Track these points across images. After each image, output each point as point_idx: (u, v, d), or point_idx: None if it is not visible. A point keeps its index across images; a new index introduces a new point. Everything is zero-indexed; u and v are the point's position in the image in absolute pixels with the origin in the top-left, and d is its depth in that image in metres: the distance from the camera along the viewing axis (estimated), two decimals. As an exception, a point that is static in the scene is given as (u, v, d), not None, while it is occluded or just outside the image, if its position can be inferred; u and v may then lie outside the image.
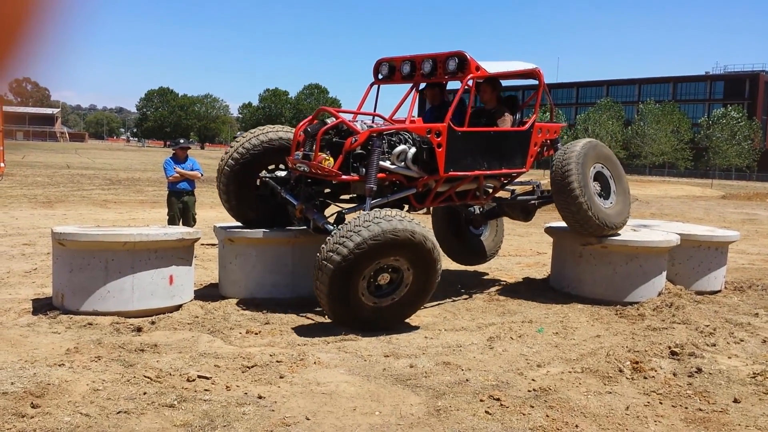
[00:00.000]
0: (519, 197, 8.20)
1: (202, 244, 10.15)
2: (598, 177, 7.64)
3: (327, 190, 6.86)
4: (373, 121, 6.95)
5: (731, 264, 9.67)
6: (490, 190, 7.94)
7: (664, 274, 7.61)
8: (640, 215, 20.76)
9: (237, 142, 7.02)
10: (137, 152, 76.24)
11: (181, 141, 10.43)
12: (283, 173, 6.98)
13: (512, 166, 7.51)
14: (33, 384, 4.00)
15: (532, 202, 8.08)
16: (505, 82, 8.06)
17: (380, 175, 6.33)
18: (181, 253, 6.36)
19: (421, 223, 5.83)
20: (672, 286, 7.76)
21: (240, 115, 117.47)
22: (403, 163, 6.52)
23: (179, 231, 6.38)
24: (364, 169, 6.21)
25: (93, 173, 31.91)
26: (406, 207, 6.96)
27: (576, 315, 6.83)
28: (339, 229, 5.63)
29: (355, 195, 6.90)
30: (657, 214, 21.97)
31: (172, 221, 10.17)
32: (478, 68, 6.84)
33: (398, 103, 7.72)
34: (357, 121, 6.66)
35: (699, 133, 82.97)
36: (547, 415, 4.02)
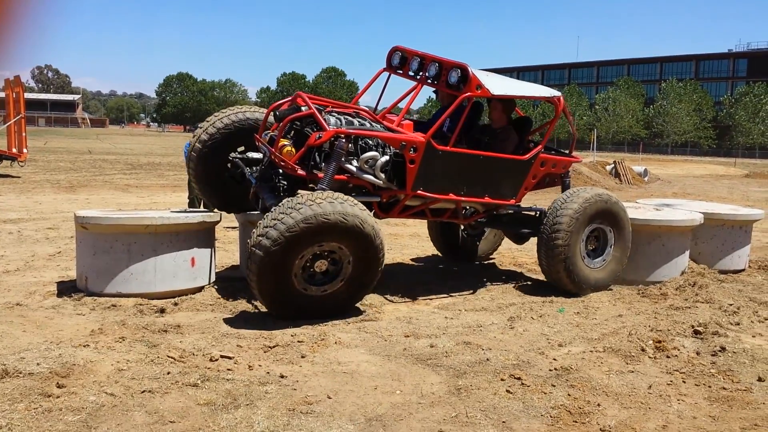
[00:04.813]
0: (516, 222, 7.44)
1: (224, 227, 10.22)
2: (597, 232, 6.96)
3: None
4: (378, 118, 6.55)
5: (755, 243, 9.54)
6: (475, 211, 7.17)
7: (687, 253, 7.53)
8: (663, 195, 20.56)
9: (206, 122, 6.78)
10: (157, 137, 76.74)
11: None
12: (255, 154, 6.66)
13: (498, 197, 6.80)
14: (59, 365, 4.06)
15: (526, 231, 7.32)
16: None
17: (342, 176, 5.97)
18: (203, 235, 6.40)
19: (359, 206, 5.41)
20: (695, 266, 7.68)
21: (258, 100, 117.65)
22: (371, 170, 6.08)
23: (200, 214, 6.41)
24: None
25: (114, 158, 32.20)
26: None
27: (597, 295, 6.78)
28: (271, 212, 5.24)
29: None
30: (679, 194, 21.74)
31: (192, 204, 10.25)
32: (479, 87, 6.31)
33: (399, 97, 7.23)
34: (334, 116, 6.19)
35: (722, 111, 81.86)
36: (569, 394, 4.01)
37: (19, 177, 19.81)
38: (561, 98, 7.12)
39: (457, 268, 8.19)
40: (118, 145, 49.52)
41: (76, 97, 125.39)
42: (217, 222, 6.57)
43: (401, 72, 7.02)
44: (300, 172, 5.84)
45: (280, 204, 5.28)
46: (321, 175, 5.83)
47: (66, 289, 6.29)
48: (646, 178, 27.32)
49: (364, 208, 5.47)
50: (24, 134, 20.49)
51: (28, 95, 31.93)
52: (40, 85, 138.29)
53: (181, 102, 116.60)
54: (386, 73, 7.21)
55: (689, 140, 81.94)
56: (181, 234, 6.15)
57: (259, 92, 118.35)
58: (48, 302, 5.89)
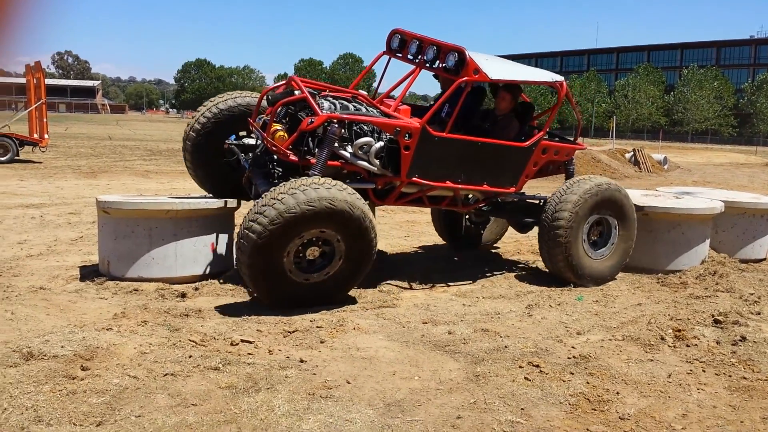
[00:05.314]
0: (519, 210, 7.34)
1: (243, 213, 10.27)
2: (600, 223, 6.82)
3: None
4: (378, 102, 6.40)
5: (777, 232, 9.42)
6: (475, 199, 7.02)
7: (708, 242, 7.48)
8: (683, 183, 20.38)
9: (202, 108, 6.69)
10: (176, 123, 77.07)
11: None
12: (251, 140, 6.56)
13: (497, 185, 6.63)
14: (82, 347, 4.12)
15: (529, 221, 7.14)
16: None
17: (336, 162, 5.85)
18: (222, 221, 6.45)
19: (326, 185, 5.21)
20: (715, 254, 7.62)
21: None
22: (365, 156, 5.95)
23: (220, 200, 6.45)
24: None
25: (134, 144, 32.43)
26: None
27: (616, 283, 6.76)
28: (260, 199, 5.17)
29: None
30: (699, 182, 21.55)
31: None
32: (477, 71, 6.10)
33: (397, 81, 7.04)
34: (327, 101, 6.06)
35: (743, 98, 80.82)
36: (588, 382, 4.01)
37: (40, 162, 20.01)
38: (564, 83, 6.90)
39: (474, 255, 8.18)
40: (137, 131, 49.82)
41: (96, 83, 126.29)
42: (237, 208, 6.61)
43: (400, 55, 6.86)
44: (292, 157, 5.71)
45: (249, 210, 5.18)
46: (313, 160, 5.73)
47: (88, 273, 6.37)
48: (665, 167, 27.08)
49: (334, 183, 5.27)
50: (45, 120, 20.62)
51: (48, 81, 32.13)
52: (61, 71, 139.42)
53: (200, 88, 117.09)
54: (387, 57, 7.01)
55: (710, 128, 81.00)
56: (201, 219, 6.20)
57: (277, 78, 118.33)
58: (71, 286, 5.98)
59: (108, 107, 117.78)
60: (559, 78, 6.96)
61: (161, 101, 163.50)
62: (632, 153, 26.33)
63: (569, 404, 3.71)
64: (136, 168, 19.76)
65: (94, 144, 30.88)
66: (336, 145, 5.79)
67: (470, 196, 6.99)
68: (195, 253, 6.18)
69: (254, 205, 5.15)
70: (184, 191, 13.70)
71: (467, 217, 8.37)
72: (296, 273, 5.31)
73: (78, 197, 12.47)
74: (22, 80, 22.40)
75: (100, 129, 49.25)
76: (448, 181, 6.32)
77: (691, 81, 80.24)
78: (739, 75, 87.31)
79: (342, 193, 5.22)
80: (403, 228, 10.22)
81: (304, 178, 5.28)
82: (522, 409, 3.62)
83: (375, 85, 7.91)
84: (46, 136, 20.67)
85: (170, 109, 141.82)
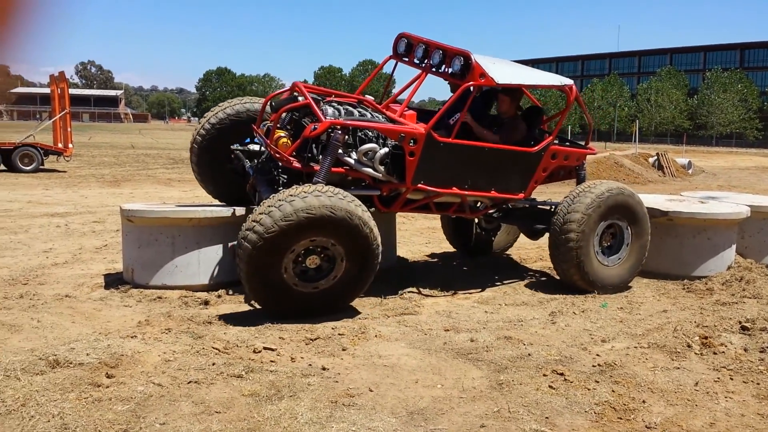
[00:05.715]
0: (529, 217, 7.15)
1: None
2: (613, 228, 6.66)
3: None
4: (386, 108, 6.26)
5: (805, 237, 9.26)
6: (483, 205, 6.84)
7: (734, 247, 7.37)
8: (707, 187, 20.16)
9: (208, 114, 6.70)
10: (197, 131, 77.70)
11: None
12: (257, 146, 6.51)
13: (505, 191, 6.49)
14: (107, 355, 4.15)
15: (540, 227, 6.95)
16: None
17: (340, 169, 5.76)
18: (244, 228, 6.47)
19: (301, 195, 5.04)
20: (742, 260, 7.51)
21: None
22: (370, 162, 5.87)
23: (242, 208, 6.48)
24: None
25: (156, 153, 32.74)
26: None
27: (641, 290, 6.69)
28: (258, 206, 5.10)
29: None
30: (725, 186, 21.29)
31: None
32: (483, 75, 6.01)
33: (404, 85, 6.98)
34: (331, 106, 6.00)
35: (768, 101, 79.85)
36: (613, 390, 3.96)
37: (65, 171, 20.28)
38: (573, 87, 6.77)
39: (495, 262, 8.14)
40: (159, 139, 50.31)
41: (119, 92, 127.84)
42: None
43: (407, 60, 6.77)
44: (295, 164, 5.65)
45: (239, 233, 5.13)
46: (317, 167, 5.66)
47: (113, 281, 6.43)
48: (690, 171, 26.80)
49: (311, 191, 5.10)
50: (69, 129, 20.90)
51: (72, 91, 32.59)
52: (84, 81, 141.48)
53: (221, 97, 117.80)
54: (393, 61, 6.94)
55: (734, 131, 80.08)
56: (224, 227, 6.24)
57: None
58: (96, 294, 6.04)
59: (131, 116, 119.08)
60: (568, 81, 6.86)
61: (183, 110, 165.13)
62: (656, 157, 26.08)
63: (594, 413, 3.66)
64: (158, 176, 19.95)
65: (118, 153, 31.25)
66: (340, 151, 5.73)
67: (480, 201, 6.88)
68: (218, 260, 6.21)
69: (241, 229, 5.12)
70: (206, 199, 13.80)
71: (477, 223, 8.28)
72: (303, 284, 5.26)
73: (102, 206, 12.61)
74: (47, 90, 22.78)
75: (123, 138, 49.83)
76: (454, 188, 6.22)
77: (714, 84, 79.45)
78: (764, 77, 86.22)
79: (319, 199, 5.06)
80: (424, 234, 10.20)
81: (281, 192, 5.19)
82: (546, 417, 3.58)
83: (393, 90, 7.90)
84: (70, 145, 20.94)
85: (192, 118, 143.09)
